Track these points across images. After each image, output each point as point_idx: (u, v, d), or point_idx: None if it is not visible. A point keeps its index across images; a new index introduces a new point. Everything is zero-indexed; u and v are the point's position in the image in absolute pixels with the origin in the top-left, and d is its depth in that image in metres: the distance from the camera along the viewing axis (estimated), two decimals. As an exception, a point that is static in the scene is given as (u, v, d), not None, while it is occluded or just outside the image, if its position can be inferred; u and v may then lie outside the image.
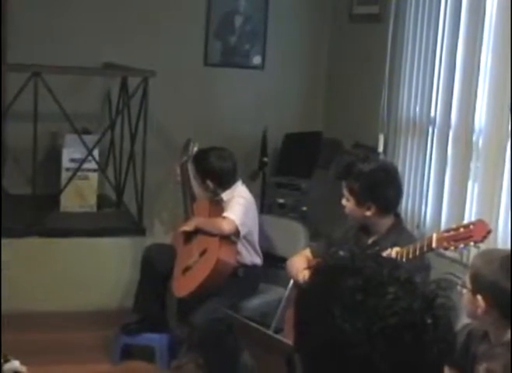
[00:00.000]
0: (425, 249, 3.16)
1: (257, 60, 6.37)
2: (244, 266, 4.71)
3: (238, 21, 6.28)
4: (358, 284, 1.32)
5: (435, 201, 5.00)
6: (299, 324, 1.39)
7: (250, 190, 4.94)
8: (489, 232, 3.02)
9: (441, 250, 3.15)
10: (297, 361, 1.38)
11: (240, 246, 4.68)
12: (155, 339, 4.87)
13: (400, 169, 5.23)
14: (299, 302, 1.40)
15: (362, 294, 1.30)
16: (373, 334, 1.27)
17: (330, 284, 1.36)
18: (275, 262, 4.82)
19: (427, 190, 5.08)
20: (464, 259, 4.51)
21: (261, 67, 6.38)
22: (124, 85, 5.76)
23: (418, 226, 5.08)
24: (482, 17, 4.55)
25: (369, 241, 3.69)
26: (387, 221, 3.67)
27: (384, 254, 3.25)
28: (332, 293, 1.33)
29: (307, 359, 1.37)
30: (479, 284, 2.81)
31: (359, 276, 1.33)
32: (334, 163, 5.17)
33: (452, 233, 3.07)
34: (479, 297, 2.79)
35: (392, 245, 3.32)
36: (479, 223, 3.07)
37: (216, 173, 4.70)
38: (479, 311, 2.80)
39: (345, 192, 3.69)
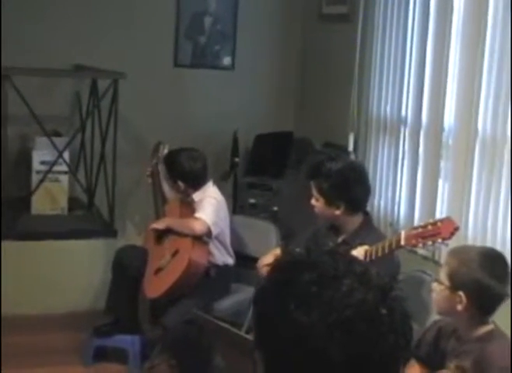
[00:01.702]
0: (393, 246, 3.18)
1: (227, 60, 6.37)
2: (216, 266, 4.71)
3: (208, 22, 6.27)
4: (313, 278, 1.34)
5: (408, 199, 5.03)
6: (258, 320, 1.40)
7: (222, 191, 4.94)
8: (456, 229, 3.04)
9: (410, 247, 3.17)
10: (258, 358, 1.39)
11: (211, 247, 4.68)
12: (127, 341, 4.86)
13: (371, 168, 5.29)
14: (257, 299, 1.42)
15: (318, 287, 1.32)
16: (330, 326, 1.29)
17: (286, 279, 1.38)
18: (246, 262, 4.81)
19: (400, 189, 5.11)
20: (436, 257, 4.55)
21: (232, 67, 6.39)
22: (94, 87, 5.74)
23: (391, 224, 5.11)
24: (450, 17, 4.59)
25: (339, 240, 3.71)
26: (356, 220, 3.69)
27: (354, 252, 3.28)
28: (288, 288, 1.35)
29: (267, 355, 1.38)
30: (460, 281, 2.83)
31: (315, 270, 1.35)
32: (305, 163, 5.20)
33: (420, 230, 3.09)
34: (461, 293, 2.81)
35: (361, 244, 3.34)
36: (447, 220, 3.10)
37: (187, 174, 4.71)
38: (459, 307, 2.82)
39: (315, 192, 3.71)
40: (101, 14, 5.97)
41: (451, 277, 2.86)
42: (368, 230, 3.69)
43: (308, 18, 6.33)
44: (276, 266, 1.44)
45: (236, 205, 5.90)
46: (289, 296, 1.34)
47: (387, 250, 3.20)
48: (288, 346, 1.33)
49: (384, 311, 1.32)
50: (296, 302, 1.32)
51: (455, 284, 2.84)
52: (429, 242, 3.07)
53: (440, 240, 3.05)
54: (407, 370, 3.12)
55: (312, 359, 1.31)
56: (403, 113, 5.09)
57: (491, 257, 2.87)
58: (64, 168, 5.63)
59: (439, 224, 3.06)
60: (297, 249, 1.42)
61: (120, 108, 5.51)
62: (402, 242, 3.13)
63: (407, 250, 4.23)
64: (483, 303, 2.84)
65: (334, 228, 3.76)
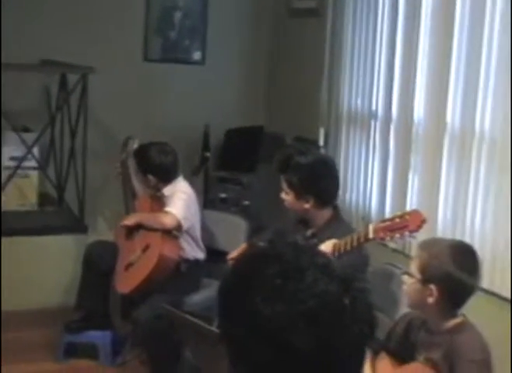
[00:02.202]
0: (362, 239, 3.19)
1: (197, 55, 6.36)
2: (187, 261, 4.71)
3: (177, 16, 6.25)
4: (277, 270, 1.35)
5: (379, 193, 5.05)
6: (222, 314, 1.41)
7: (193, 185, 4.94)
8: (423, 222, 3.06)
9: (378, 240, 3.18)
10: (223, 351, 1.40)
11: (182, 241, 4.68)
12: (98, 337, 4.85)
13: (342, 162, 5.30)
14: (221, 292, 1.42)
15: (281, 279, 1.34)
16: (294, 317, 1.31)
17: (250, 272, 1.39)
18: (217, 256, 4.81)
19: (371, 183, 5.13)
20: (407, 250, 4.57)
21: (202, 62, 6.37)
22: (63, 82, 5.70)
23: (363, 218, 5.12)
24: (419, 11, 4.61)
25: (308, 233, 3.72)
26: (325, 214, 3.71)
27: (322, 246, 3.29)
28: (252, 281, 1.37)
29: (232, 348, 1.40)
30: (431, 274, 2.84)
31: (278, 262, 1.36)
32: (275, 157, 5.19)
33: (388, 223, 3.11)
34: (432, 286, 2.82)
35: (330, 237, 3.35)
36: (414, 213, 3.12)
37: (157, 168, 4.70)
38: (430, 300, 2.84)
39: (284, 186, 3.72)
40: (70, 8, 5.92)
41: (422, 270, 2.87)
42: (337, 223, 3.71)
43: (278, 12, 6.33)
44: (240, 259, 1.44)
45: (207, 200, 5.89)
46: (253, 289, 1.35)
47: (355, 243, 3.21)
48: (253, 339, 1.34)
49: (347, 301, 1.34)
50: (260, 295, 1.33)
51: (426, 277, 2.86)
52: (397, 235, 3.09)
53: (407, 233, 3.07)
54: (377, 363, 3.14)
55: (277, 350, 1.32)
56: (373, 107, 5.10)
57: (461, 250, 2.89)
58: (33, 163, 5.59)
59: (406, 216, 3.08)
60: (261, 243, 1.42)
61: (90, 103, 5.48)
62: (370, 235, 3.14)
63: (377, 243, 4.26)
64: (454, 296, 2.86)
65: (304, 222, 3.77)
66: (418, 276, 2.87)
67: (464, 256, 2.86)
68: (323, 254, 1.44)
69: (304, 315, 1.31)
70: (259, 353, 1.33)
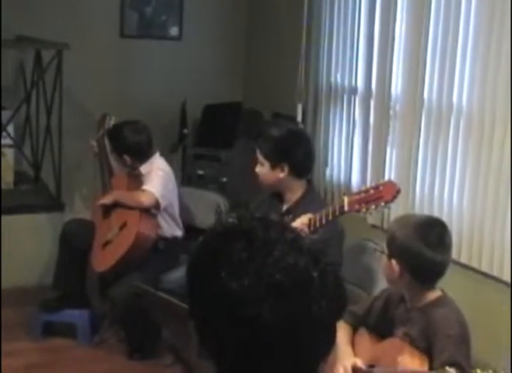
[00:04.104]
0: (337, 213, 3.18)
1: (174, 31, 6.30)
2: (165, 238, 4.69)
3: (154, -9, 6.19)
4: (243, 245, 1.33)
5: (360, 168, 5.05)
6: (190, 290, 1.40)
7: (171, 162, 4.92)
8: (398, 192, 3.05)
9: (354, 213, 3.17)
10: (192, 328, 1.38)
11: (160, 219, 4.66)
12: (76, 316, 4.83)
13: (322, 137, 5.30)
14: (188, 269, 1.40)
15: (248, 254, 1.32)
16: (261, 291, 1.30)
17: (216, 247, 1.38)
18: (195, 234, 4.79)
19: (350, 158, 5.12)
20: (385, 225, 4.57)
21: (179, 38, 6.31)
22: (37, 59, 5.63)
23: (345, 194, 5.11)
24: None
25: (284, 208, 3.71)
26: (300, 188, 3.70)
27: (298, 221, 3.27)
28: (218, 256, 1.35)
29: (201, 324, 1.39)
30: (394, 249, 2.85)
31: (245, 237, 1.35)
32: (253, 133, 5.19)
33: (363, 195, 3.09)
34: (393, 261, 2.82)
35: (305, 212, 3.33)
36: (388, 183, 3.11)
37: (132, 147, 4.66)
38: (395, 275, 2.84)
39: (260, 156, 3.72)
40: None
41: (388, 245, 2.88)
42: (311, 198, 3.71)
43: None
44: (207, 235, 1.43)
45: (185, 177, 5.86)
46: (219, 264, 1.33)
47: (330, 217, 3.20)
48: (220, 314, 1.33)
49: (315, 275, 1.33)
50: (227, 270, 1.32)
51: (390, 252, 2.86)
52: (373, 206, 3.07)
53: (382, 203, 3.06)
54: (356, 338, 3.14)
55: (244, 325, 1.31)
56: (352, 82, 5.08)
57: (427, 224, 2.87)
58: (8, 141, 5.53)
59: (381, 187, 3.07)
60: (229, 219, 1.41)
61: (66, 80, 5.43)
62: (346, 208, 3.12)
63: (355, 219, 4.26)
64: (415, 270, 2.83)
65: (279, 197, 3.77)
66: (386, 251, 2.88)
67: (428, 230, 2.83)
68: (292, 229, 1.43)
69: (271, 288, 1.30)
70: (226, 328, 1.33)
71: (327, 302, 1.33)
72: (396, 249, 2.84)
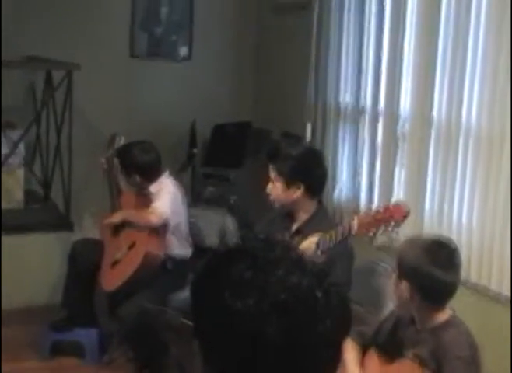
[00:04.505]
0: (346, 233, 3.17)
1: (183, 51, 6.32)
2: (173, 258, 4.68)
3: (164, 12, 6.22)
4: (247, 264, 1.34)
5: (367, 187, 5.05)
6: (194, 310, 1.40)
7: (180, 182, 4.92)
8: (407, 213, 3.05)
9: (363, 234, 3.16)
10: (196, 348, 1.38)
11: (168, 238, 4.65)
12: (84, 335, 4.82)
13: (330, 156, 5.29)
14: (192, 288, 1.41)
15: (252, 273, 1.32)
16: (265, 310, 1.29)
17: (220, 266, 1.38)
18: (204, 253, 4.79)
19: (359, 177, 5.11)
20: (393, 246, 4.55)
21: (188, 58, 6.33)
22: (48, 79, 5.66)
23: (354, 214, 5.10)
24: (405, 5, 4.61)
25: (293, 228, 3.70)
26: (311, 206, 3.68)
27: (307, 241, 3.27)
28: (222, 275, 1.35)
29: (204, 343, 1.38)
30: (403, 270, 2.84)
31: (249, 257, 1.35)
32: (263, 151, 5.19)
33: (372, 216, 3.09)
34: (404, 282, 2.81)
35: (315, 232, 3.32)
36: (398, 205, 3.10)
37: (141, 167, 4.67)
38: (405, 296, 2.83)
39: (273, 174, 3.68)
40: (57, 4, 5.88)
41: (398, 266, 2.87)
42: (322, 218, 3.69)
43: (264, 7, 6.30)
44: (211, 255, 1.43)
45: (194, 196, 5.86)
46: (222, 283, 1.34)
47: (340, 238, 3.19)
48: (224, 333, 1.33)
49: (319, 294, 1.33)
50: (231, 289, 1.32)
51: (400, 273, 2.85)
52: (382, 228, 3.06)
53: (392, 225, 3.05)
54: (365, 359, 3.13)
55: (248, 344, 1.30)
56: (361, 101, 5.09)
57: (436, 245, 2.86)
58: (19, 160, 5.55)
59: (391, 208, 3.06)
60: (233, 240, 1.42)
61: (76, 99, 5.45)
62: (355, 229, 3.12)
63: (364, 241, 4.24)
64: (425, 291, 2.83)
65: (289, 217, 3.75)
66: (396, 272, 2.87)
67: (438, 251, 2.82)
68: (295, 248, 1.43)
69: (275, 307, 1.29)
70: (230, 347, 1.32)
71: (331, 321, 1.33)
72: (406, 271, 2.83)
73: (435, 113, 4.36)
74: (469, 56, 4.10)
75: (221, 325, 1.32)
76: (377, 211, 3.11)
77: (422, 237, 3.14)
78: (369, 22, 4.97)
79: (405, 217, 3.04)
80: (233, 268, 1.34)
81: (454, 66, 4.20)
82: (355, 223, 3.12)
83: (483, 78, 4.02)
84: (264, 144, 5.60)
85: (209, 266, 1.41)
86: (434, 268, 2.77)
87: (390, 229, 3.11)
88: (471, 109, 4.10)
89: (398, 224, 3.05)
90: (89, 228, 5.74)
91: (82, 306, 4.83)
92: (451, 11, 4.22)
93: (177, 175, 5.20)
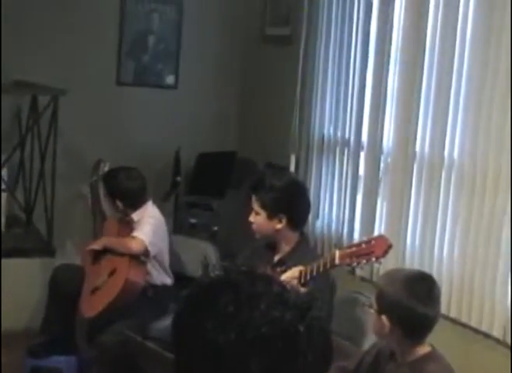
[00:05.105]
0: (328, 265, 3.17)
1: (170, 79, 6.35)
2: (154, 286, 4.67)
3: (151, 40, 6.25)
4: (229, 298, 1.34)
5: (349, 220, 5.06)
6: (175, 342, 1.40)
7: (163, 210, 4.91)
8: (389, 247, 3.05)
9: (344, 266, 3.17)
10: None
11: (149, 266, 4.64)
12: (63, 362, 4.79)
13: (313, 188, 5.31)
14: (174, 321, 1.41)
15: (234, 307, 1.33)
16: (247, 343, 1.30)
17: (202, 300, 1.38)
18: (185, 282, 4.78)
19: (343, 209, 5.12)
20: (375, 278, 4.56)
21: (175, 86, 6.36)
22: (34, 103, 5.66)
23: (336, 247, 5.11)
24: (389, 41, 4.68)
25: (275, 259, 3.70)
26: (293, 238, 3.69)
27: (289, 273, 3.27)
28: (205, 309, 1.36)
29: None
30: (383, 304, 2.83)
31: (232, 290, 1.36)
32: (247, 182, 5.20)
33: (354, 249, 3.09)
34: (384, 316, 2.81)
35: (297, 264, 3.32)
36: (380, 238, 3.11)
37: (126, 194, 4.66)
38: (385, 330, 2.83)
39: (256, 205, 3.68)
40: (44, 29, 5.89)
41: (377, 300, 2.87)
42: (304, 250, 3.69)
43: (251, 38, 6.34)
44: (193, 287, 1.43)
45: (177, 225, 5.86)
46: (205, 317, 1.34)
47: (321, 269, 3.19)
48: (206, 367, 1.32)
49: (301, 328, 1.33)
50: (213, 323, 1.32)
51: (380, 307, 2.85)
52: (364, 261, 3.07)
53: (373, 258, 3.06)
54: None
55: None
56: (345, 134, 5.12)
57: (416, 279, 2.86)
58: (1, 185, 5.53)
59: (372, 242, 3.07)
60: (216, 271, 1.42)
61: (61, 125, 5.45)
62: (337, 262, 3.12)
63: (346, 271, 4.26)
64: (406, 325, 2.82)
65: (271, 248, 3.75)
66: (375, 306, 2.87)
67: (418, 285, 2.82)
68: (278, 282, 1.43)
69: (258, 341, 1.30)
70: None
71: (313, 356, 1.33)
72: (386, 305, 2.83)
73: (418, 146, 4.39)
74: (452, 91, 4.14)
75: (202, 358, 1.32)
76: (359, 244, 3.11)
77: (401, 271, 3.14)
78: (354, 56, 5.01)
79: (386, 251, 3.04)
80: (215, 301, 1.34)
81: (438, 100, 4.24)
82: (336, 256, 3.13)
83: (466, 112, 4.05)
84: (248, 174, 5.62)
85: (192, 298, 1.41)
86: (415, 303, 2.77)
87: (371, 263, 3.12)
88: (454, 143, 4.13)
89: (379, 258, 3.06)
90: (70, 254, 5.72)
91: (61, 332, 4.80)
92: (435, 46, 4.27)
93: (160, 203, 5.20)
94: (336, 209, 5.20)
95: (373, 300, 2.90)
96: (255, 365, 1.29)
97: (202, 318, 1.34)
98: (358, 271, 4.67)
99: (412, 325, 2.83)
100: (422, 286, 2.83)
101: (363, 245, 3.07)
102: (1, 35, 5.58)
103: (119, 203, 4.67)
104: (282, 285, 1.41)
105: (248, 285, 1.36)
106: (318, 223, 5.31)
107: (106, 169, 4.91)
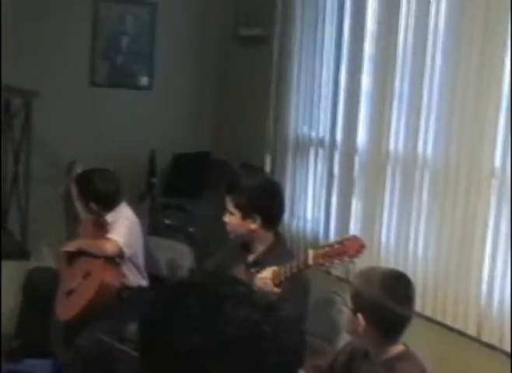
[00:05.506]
0: (302, 266, 3.17)
1: (144, 80, 6.33)
2: (129, 288, 4.65)
3: (125, 41, 6.23)
4: (194, 300, 1.34)
5: (325, 219, 5.06)
6: (142, 345, 1.39)
7: (138, 211, 4.89)
8: (362, 247, 3.05)
9: (318, 267, 3.16)
10: None
11: (124, 268, 4.62)
12: (38, 365, 4.75)
13: (289, 188, 5.31)
14: (140, 324, 1.40)
15: (200, 309, 1.32)
16: (213, 346, 1.29)
17: (168, 302, 1.37)
18: (161, 283, 4.77)
19: (318, 209, 5.13)
20: (350, 277, 4.56)
21: (149, 87, 6.34)
22: (6, 106, 5.63)
23: (310, 247, 5.11)
24: (363, 39, 4.69)
25: (250, 259, 3.70)
26: (268, 238, 3.68)
27: (263, 273, 3.27)
28: (170, 310, 1.35)
29: None
30: (359, 303, 2.84)
31: (197, 292, 1.36)
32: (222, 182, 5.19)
33: (327, 249, 3.09)
34: (359, 315, 2.81)
35: (272, 264, 3.32)
36: (353, 238, 3.10)
37: (99, 195, 4.64)
38: (360, 329, 2.83)
39: (230, 206, 3.68)
40: (16, 31, 5.86)
41: (353, 299, 2.87)
42: (279, 250, 3.68)
43: (225, 39, 6.33)
44: (160, 288, 1.43)
45: (152, 226, 5.84)
46: (170, 319, 1.33)
47: (295, 270, 3.19)
48: (172, 369, 1.31)
49: (267, 328, 1.32)
50: (178, 325, 1.32)
51: (356, 306, 2.85)
52: (336, 261, 3.07)
53: (346, 258, 3.05)
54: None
55: None
56: (320, 134, 5.12)
57: (392, 279, 2.87)
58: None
59: (346, 242, 3.06)
60: (181, 274, 1.42)
61: (35, 127, 5.44)
62: (310, 262, 3.12)
63: (322, 271, 4.25)
64: (382, 325, 2.84)
65: (246, 248, 3.75)
66: (350, 305, 2.87)
67: (394, 284, 2.84)
68: (244, 283, 1.42)
69: (224, 343, 1.30)
70: None
71: (280, 356, 1.33)
72: (362, 304, 2.84)
73: (391, 145, 4.40)
74: (426, 90, 4.15)
75: (168, 360, 1.32)
76: (332, 244, 3.11)
77: (377, 269, 3.15)
78: (328, 56, 5.02)
79: (359, 251, 3.04)
80: (181, 304, 1.34)
81: (411, 100, 4.25)
82: (309, 256, 3.12)
83: (439, 111, 4.06)
84: (224, 174, 5.61)
85: (158, 300, 1.41)
86: (393, 303, 2.78)
87: (344, 263, 3.11)
88: (427, 142, 4.14)
89: (352, 258, 3.06)
90: (45, 257, 5.69)
91: (36, 335, 4.77)
92: (409, 43, 4.27)
93: (135, 204, 5.18)
94: (311, 208, 5.20)
95: (348, 299, 2.90)
96: (222, 366, 1.29)
97: (168, 320, 1.33)
98: (333, 271, 4.68)
99: (388, 325, 2.84)
100: (399, 286, 2.85)
101: (336, 246, 3.07)
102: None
103: (93, 205, 4.65)
104: (248, 286, 1.40)
105: (213, 286, 1.36)
106: (294, 223, 5.31)
107: (80, 170, 4.88)
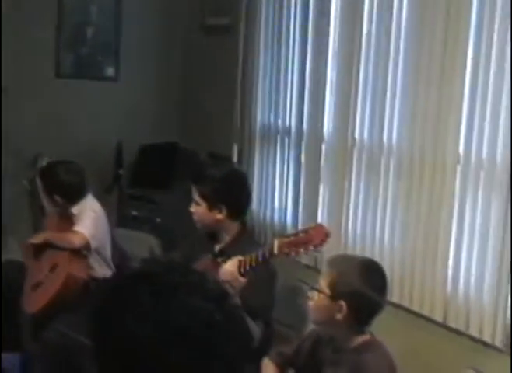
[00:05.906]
0: (267, 255, 3.17)
1: (110, 71, 6.30)
2: (96, 280, 4.62)
3: (90, 32, 6.18)
4: (148, 289, 1.34)
5: (293, 208, 5.07)
6: (94, 334, 1.38)
7: (105, 203, 4.86)
8: (327, 236, 3.05)
9: (283, 256, 3.16)
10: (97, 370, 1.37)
11: (91, 260, 4.59)
12: (7, 360, 4.71)
13: (256, 177, 5.31)
14: (93, 314, 1.40)
15: (152, 298, 1.33)
16: (165, 334, 1.30)
17: (120, 292, 1.38)
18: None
19: (286, 198, 5.13)
20: (318, 265, 4.57)
21: (115, 79, 6.31)
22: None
23: (275, 236, 5.11)
24: (327, 29, 4.69)
25: (216, 249, 3.70)
26: (234, 228, 3.69)
27: (228, 263, 3.26)
28: (122, 300, 1.36)
29: (105, 368, 1.37)
30: (341, 291, 2.84)
31: (150, 282, 1.36)
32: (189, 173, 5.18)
33: (292, 238, 3.08)
34: (342, 302, 2.82)
35: (238, 254, 3.32)
36: (318, 227, 3.10)
37: (64, 188, 4.59)
38: (338, 316, 2.84)
39: (196, 196, 3.68)
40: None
41: (332, 286, 2.87)
42: (245, 239, 3.70)
43: (191, 29, 6.31)
44: (111, 280, 1.43)
45: (120, 217, 5.82)
46: (123, 309, 1.34)
47: (261, 260, 3.19)
48: (125, 358, 1.31)
49: (219, 317, 1.33)
50: (131, 314, 1.32)
51: (336, 294, 2.86)
52: (302, 250, 3.07)
53: (311, 247, 3.05)
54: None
55: (151, 369, 1.30)
56: (286, 123, 5.13)
57: (371, 268, 2.93)
58: None
59: (310, 231, 3.06)
60: (134, 264, 1.42)
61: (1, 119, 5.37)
62: (275, 251, 3.11)
63: (290, 259, 4.25)
64: (362, 313, 2.88)
65: (212, 238, 3.75)
66: (327, 292, 2.87)
67: (372, 273, 2.90)
68: (197, 272, 1.42)
69: (176, 332, 1.30)
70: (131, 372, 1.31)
71: (233, 343, 1.34)
72: (344, 291, 2.84)
73: (357, 133, 4.41)
74: (389, 77, 4.16)
75: (121, 349, 1.32)
76: (297, 233, 3.11)
77: (355, 258, 3.16)
78: (293, 45, 5.02)
79: (324, 240, 3.04)
80: (133, 293, 1.34)
81: (375, 87, 4.26)
82: (275, 246, 3.12)
83: (403, 98, 4.08)
84: (191, 165, 5.60)
85: (111, 290, 1.41)
86: (373, 292, 2.84)
87: (309, 252, 3.11)
88: (392, 129, 4.16)
89: (317, 247, 3.06)
90: (13, 251, 5.65)
91: (4, 330, 4.73)
92: (373, 32, 4.29)
93: (102, 196, 5.15)
94: (279, 197, 5.20)
95: (323, 286, 2.89)
96: (174, 355, 1.29)
97: (120, 310, 1.34)
98: (302, 258, 4.68)
99: (367, 313, 2.89)
100: (377, 275, 2.92)
101: (301, 235, 3.07)
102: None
103: (57, 198, 4.60)
104: (201, 275, 1.40)
105: (165, 276, 1.36)
106: (262, 212, 5.31)
107: (44, 163, 4.84)
